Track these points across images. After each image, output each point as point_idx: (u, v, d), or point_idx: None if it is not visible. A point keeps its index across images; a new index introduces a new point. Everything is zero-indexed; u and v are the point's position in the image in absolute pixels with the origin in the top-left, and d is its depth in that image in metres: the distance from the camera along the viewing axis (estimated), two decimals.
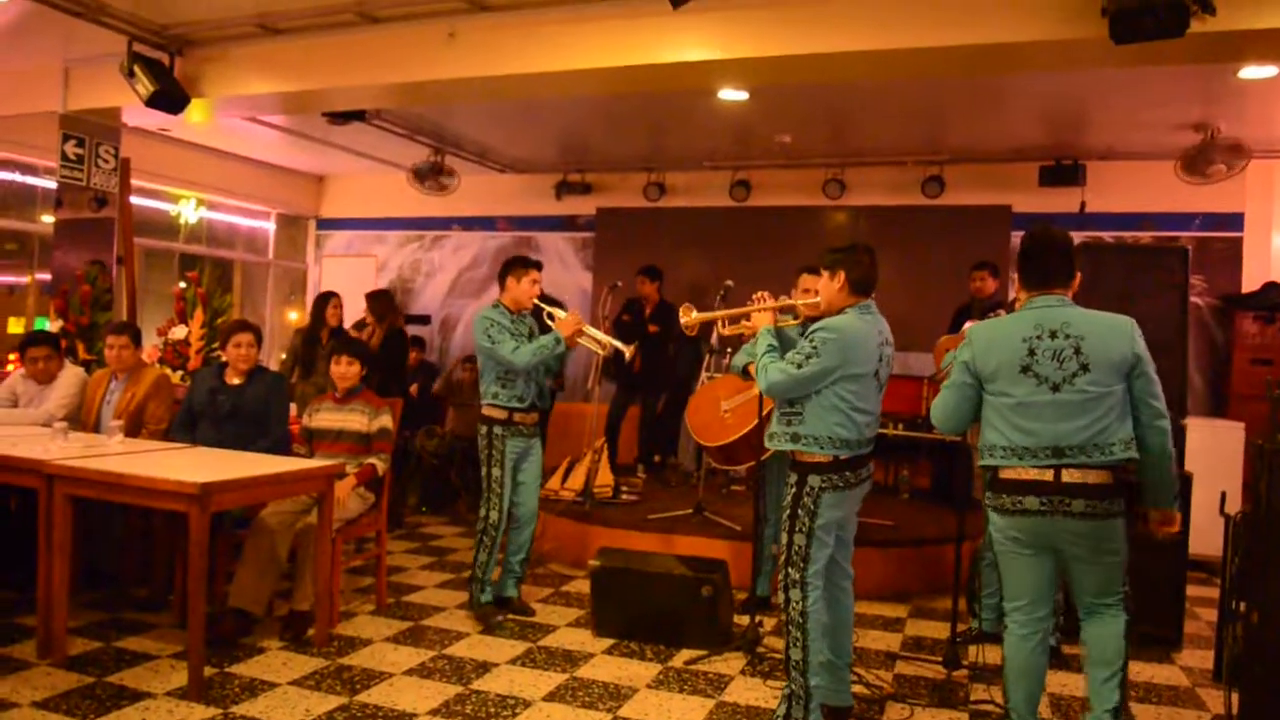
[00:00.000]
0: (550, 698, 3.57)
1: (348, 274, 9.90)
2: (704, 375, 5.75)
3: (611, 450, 6.85)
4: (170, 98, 5.54)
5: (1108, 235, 7.54)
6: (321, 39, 5.39)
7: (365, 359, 4.70)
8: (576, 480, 6.08)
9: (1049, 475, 2.75)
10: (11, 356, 5.65)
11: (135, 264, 6.76)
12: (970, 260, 6.59)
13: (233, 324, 4.70)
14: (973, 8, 4.22)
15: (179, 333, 5.97)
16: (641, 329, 7.11)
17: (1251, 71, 5.03)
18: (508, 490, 4.38)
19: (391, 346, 6.66)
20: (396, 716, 3.34)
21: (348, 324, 6.86)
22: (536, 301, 4.48)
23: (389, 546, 5.03)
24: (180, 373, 5.78)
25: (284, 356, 7.21)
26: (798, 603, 3.13)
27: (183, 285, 6.33)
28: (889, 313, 3.33)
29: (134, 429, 4.55)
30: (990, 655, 3.89)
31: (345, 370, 4.59)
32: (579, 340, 4.44)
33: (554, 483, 6.10)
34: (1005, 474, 2.83)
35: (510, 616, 4.53)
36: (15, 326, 7.31)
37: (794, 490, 3.17)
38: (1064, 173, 7.36)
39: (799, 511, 3.14)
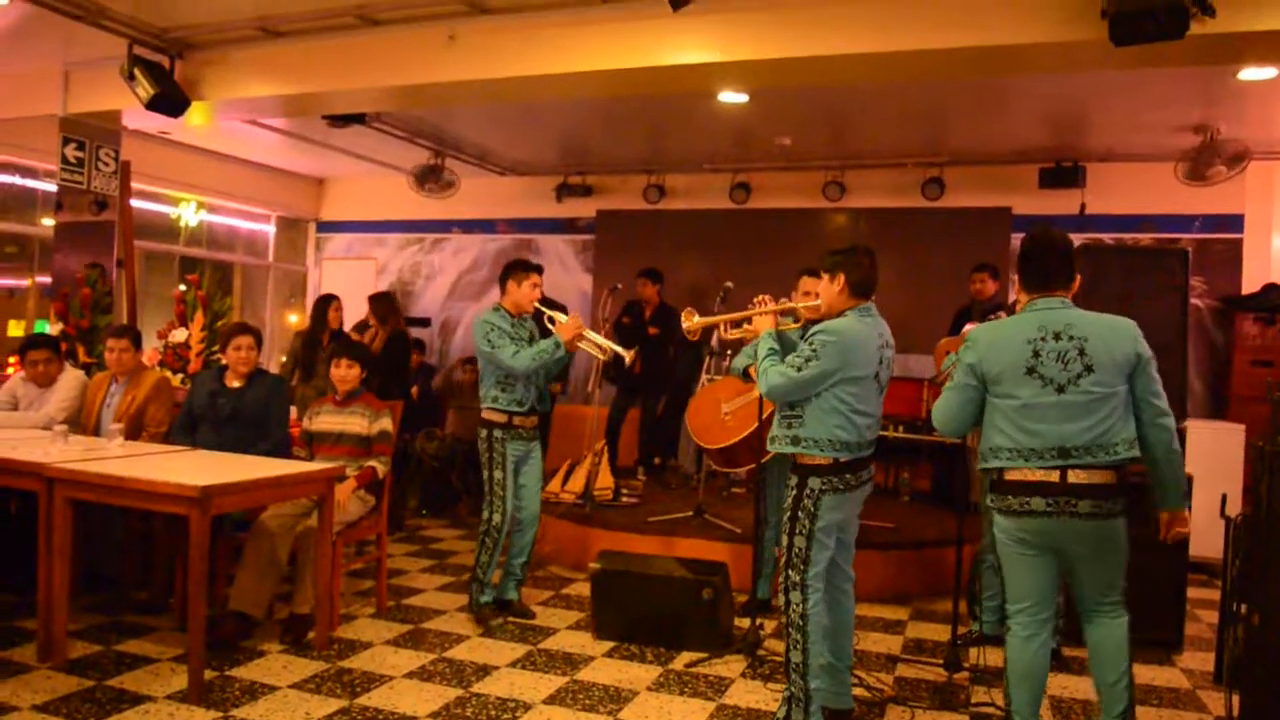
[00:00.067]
0: (551, 700, 3.57)
1: (348, 277, 9.91)
2: (704, 377, 5.75)
3: (612, 453, 6.85)
4: (170, 101, 5.54)
5: (1108, 237, 7.54)
6: (322, 42, 5.39)
7: (365, 362, 4.71)
8: (577, 483, 6.07)
9: (1055, 476, 2.76)
10: (11, 359, 5.65)
11: (135, 267, 6.76)
12: (970, 262, 6.59)
13: (233, 327, 4.70)
14: (972, 10, 4.23)
15: (179, 336, 5.97)
16: (642, 331, 7.11)
17: (1251, 73, 5.03)
18: (510, 492, 4.37)
19: (394, 349, 6.65)
20: (397, 719, 3.35)
21: (348, 326, 6.86)
22: (537, 305, 4.48)
23: (389, 549, 5.03)
24: (180, 376, 5.77)
25: (284, 359, 7.21)
26: (798, 605, 3.13)
27: (183, 288, 6.33)
28: (889, 315, 3.33)
29: (134, 432, 4.54)
30: (991, 658, 3.88)
31: (345, 373, 4.59)
32: (579, 345, 4.43)
33: (554, 485, 6.10)
34: (1010, 476, 2.83)
35: (511, 619, 4.53)
36: (15, 329, 7.32)
37: (794, 493, 3.17)
38: (1064, 175, 7.36)
39: (799, 514, 3.14)
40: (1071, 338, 2.81)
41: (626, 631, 4.30)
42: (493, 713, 3.43)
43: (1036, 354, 2.82)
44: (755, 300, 3.53)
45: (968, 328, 4.15)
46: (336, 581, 4.28)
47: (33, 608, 3.77)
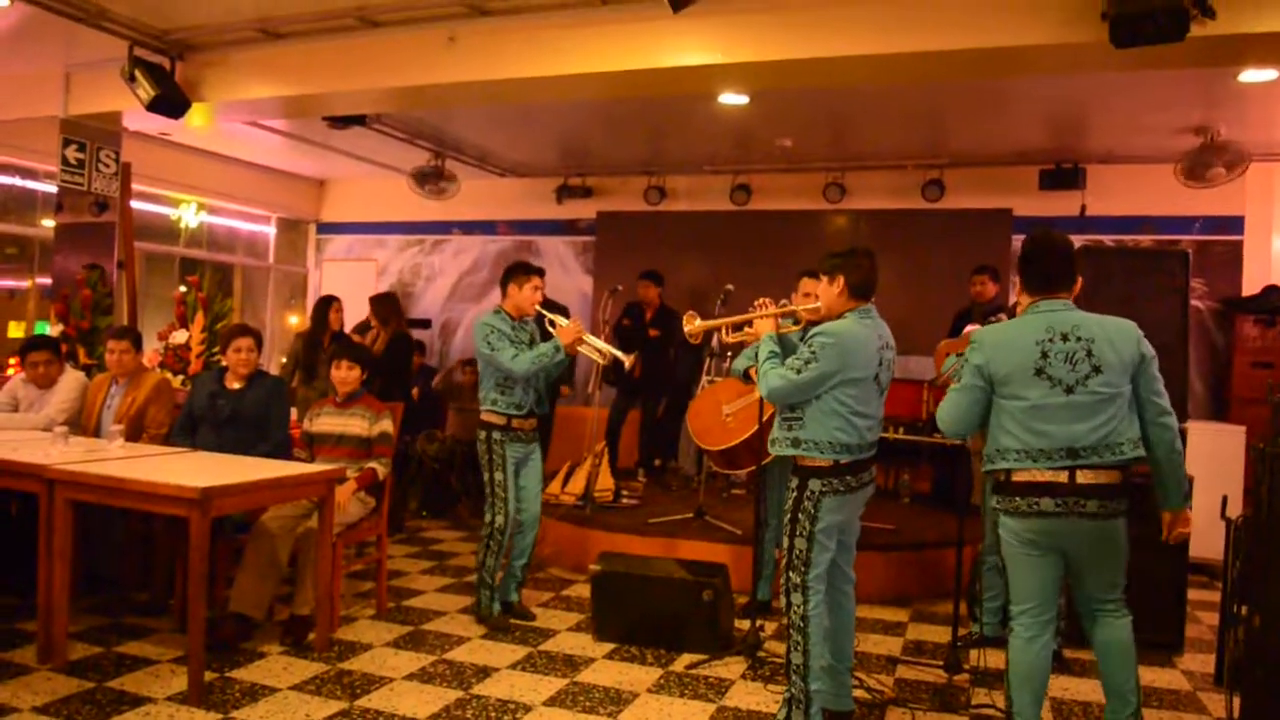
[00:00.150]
0: (551, 702, 3.57)
1: (348, 278, 9.91)
2: (704, 379, 5.76)
3: (612, 454, 6.85)
4: (171, 102, 5.54)
5: (1108, 239, 7.54)
6: (322, 44, 5.40)
7: (366, 364, 4.71)
8: (577, 484, 6.07)
9: (1063, 477, 2.78)
10: (12, 361, 5.65)
11: (136, 268, 6.76)
12: (970, 264, 6.60)
13: (233, 328, 4.70)
14: (973, 12, 4.23)
15: (179, 337, 5.96)
16: (642, 333, 7.11)
17: (1251, 75, 5.03)
18: (512, 494, 4.37)
19: (396, 350, 6.65)
20: None
21: (348, 327, 6.86)
22: (539, 308, 4.48)
23: (389, 551, 5.02)
24: (181, 377, 5.77)
25: (284, 360, 7.21)
26: (799, 607, 3.13)
27: (183, 289, 6.33)
28: (889, 316, 3.33)
29: (134, 433, 4.54)
30: (992, 659, 3.88)
31: (346, 375, 4.59)
32: (579, 349, 4.43)
33: (554, 487, 6.09)
34: (1019, 477, 2.84)
35: (511, 621, 4.52)
36: (16, 331, 7.32)
37: (795, 494, 3.17)
38: (1064, 176, 7.36)
39: (800, 515, 3.14)
40: (1079, 339, 2.82)
41: (627, 633, 4.29)
42: (493, 714, 3.43)
43: (1045, 355, 2.83)
44: (756, 303, 3.53)
45: (968, 329, 4.16)
46: (337, 583, 4.28)
47: (33, 609, 3.77)
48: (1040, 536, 2.84)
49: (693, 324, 3.73)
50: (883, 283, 3.31)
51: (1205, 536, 4.63)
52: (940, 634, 4.48)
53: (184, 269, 8.95)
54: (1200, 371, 7.27)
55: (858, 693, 3.56)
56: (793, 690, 3.16)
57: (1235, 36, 3.88)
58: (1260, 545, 3.14)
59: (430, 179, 8.32)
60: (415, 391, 7.58)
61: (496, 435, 4.34)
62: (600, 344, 4.47)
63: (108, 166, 6.47)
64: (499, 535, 4.34)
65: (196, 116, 5.98)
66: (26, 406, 4.78)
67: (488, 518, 4.36)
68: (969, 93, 5.97)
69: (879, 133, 7.20)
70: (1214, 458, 5.53)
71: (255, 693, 3.51)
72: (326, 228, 10.41)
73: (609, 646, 4.25)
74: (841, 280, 3.20)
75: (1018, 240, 7.20)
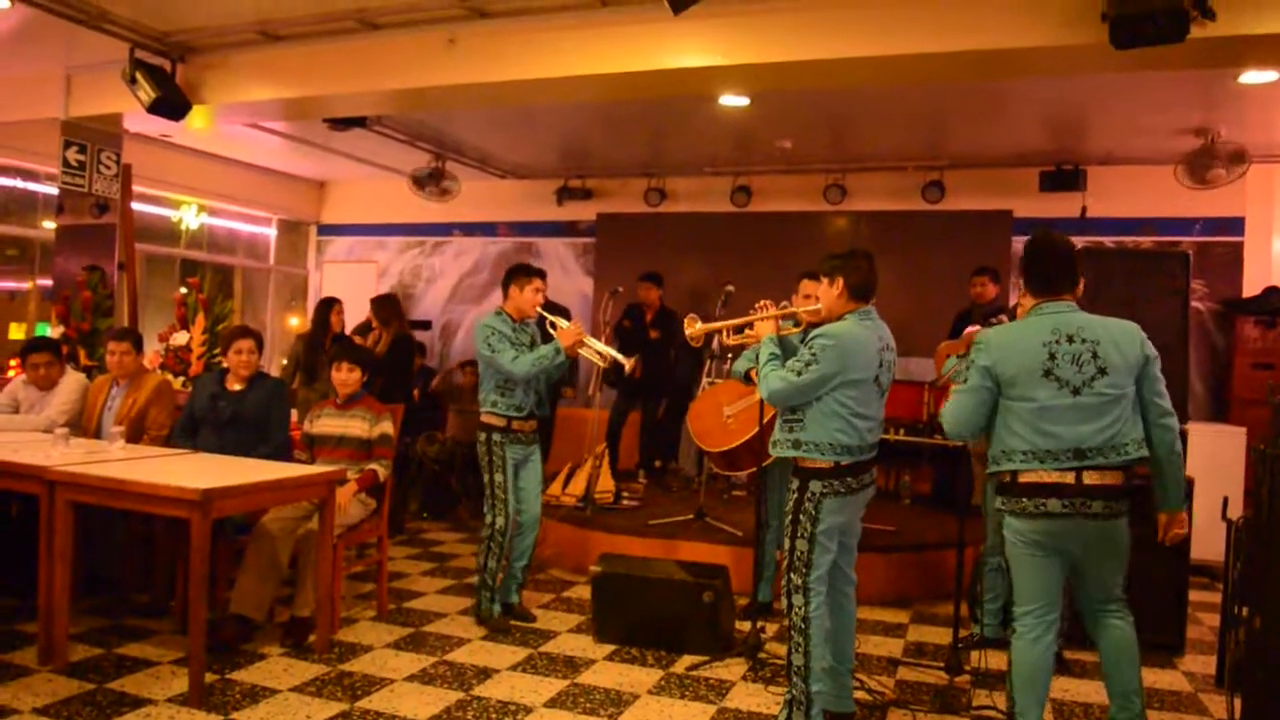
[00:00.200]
0: (551, 704, 3.57)
1: (349, 279, 9.91)
2: (705, 381, 5.75)
3: (612, 456, 6.85)
4: (172, 104, 5.55)
5: (1108, 240, 7.54)
6: (322, 46, 5.40)
7: (367, 365, 4.71)
8: (577, 486, 6.07)
9: (1070, 478, 2.80)
10: (13, 362, 5.65)
11: (136, 270, 6.77)
12: (971, 265, 6.59)
13: (234, 330, 4.70)
14: (973, 13, 4.23)
15: (180, 339, 5.97)
16: (642, 334, 7.12)
17: (1252, 76, 5.03)
18: (512, 495, 4.37)
19: (397, 352, 6.65)
20: None
21: (348, 329, 6.86)
22: (540, 310, 4.48)
23: (390, 552, 5.02)
24: (181, 379, 5.77)
25: (284, 362, 7.21)
26: (800, 608, 3.13)
27: (184, 291, 6.33)
28: (889, 318, 3.33)
29: (135, 435, 4.54)
30: (993, 661, 3.88)
31: (346, 377, 4.59)
32: (579, 351, 4.43)
33: (555, 488, 6.09)
34: (1025, 478, 2.85)
35: (512, 622, 4.52)
36: (16, 332, 7.32)
37: (796, 496, 3.17)
38: (1065, 178, 7.37)
39: (801, 517, 3.14)
40: (1084, 340, 2.84)
41: (627, 635, 4.29)
42: (493, 716, 3.43)
43: (1052, 356, 2.84)
44: (757, 305, 3.54)
45: (968, 331, 4.16)
46: (337, 584, 4.28)
47: (34, 611, 3.77)
48: (1046, 538, 2.85)
49: (694, 327, 3.73)
50: (883, 284, 3.31)
51: (1206, 538, 4.62)
52: (941, 635, 4.48)
53: (185, 270, 8.95)
54: (1201, 373, 7.27)
55: (859, 694, 3.56)
56: (794, 692, 3.16)
57: (1235, 38, 3.88)
58: (1261, 547, 3.14)
59: (431, 181, 8.33)
60: (415, 393, 7.58)
61: (496, 437, 4.34)
62: (601, 346, 4.47)
63: (108, 168, 6.47)
64: (499, 537, 4.34)
65: (197, 118, 5.98)
66: (27, 408, 4.79)
67: (488, 519, 4.36)
68: (969, 94, 5.97)
69: (879, 134, 7.21)
70: (1214, 459, 5.54)
71: (256, 694, 3.51)
72: (327, 229, 10.41)
73: (609, 648, 4.25)
74: (841, 282, 3.21)
75: (1018, 242, 7.20)
